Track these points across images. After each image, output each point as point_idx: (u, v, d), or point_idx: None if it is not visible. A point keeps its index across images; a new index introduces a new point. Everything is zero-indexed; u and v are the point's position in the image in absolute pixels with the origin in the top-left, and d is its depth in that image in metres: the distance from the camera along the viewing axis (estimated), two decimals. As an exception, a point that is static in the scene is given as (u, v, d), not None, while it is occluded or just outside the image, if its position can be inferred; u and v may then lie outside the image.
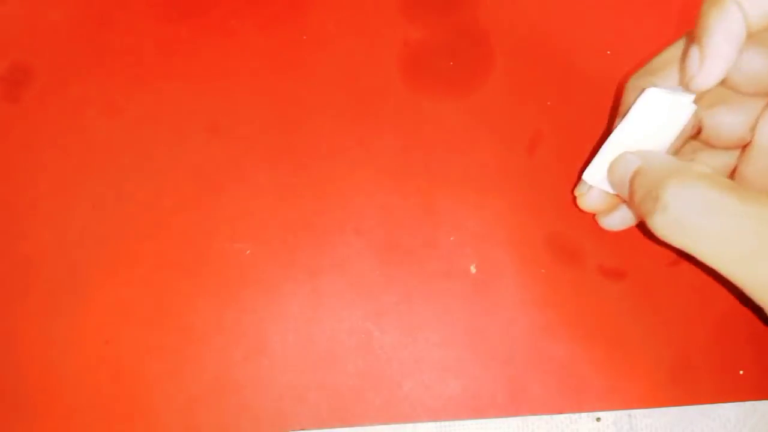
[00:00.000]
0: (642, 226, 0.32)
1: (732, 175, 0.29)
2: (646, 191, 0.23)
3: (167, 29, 0.36)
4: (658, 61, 0.28)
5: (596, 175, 0.28)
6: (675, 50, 0.27)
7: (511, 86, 0.35)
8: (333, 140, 0.35)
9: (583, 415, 0.31)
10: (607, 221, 0.31)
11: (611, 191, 0.28)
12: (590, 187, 0.29)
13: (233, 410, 0.31)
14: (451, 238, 0.33)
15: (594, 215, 0.32)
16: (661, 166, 0.23)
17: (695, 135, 0.29)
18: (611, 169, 0.27)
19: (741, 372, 0.32)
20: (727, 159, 0.29)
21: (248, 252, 0.33)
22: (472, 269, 0.33)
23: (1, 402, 0.31)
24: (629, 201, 0.25)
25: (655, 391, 0.32)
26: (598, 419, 0.31)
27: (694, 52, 0.23)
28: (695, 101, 0.26)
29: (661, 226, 0.22)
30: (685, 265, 0.33)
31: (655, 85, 0.27)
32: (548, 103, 0.35)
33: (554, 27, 0.36)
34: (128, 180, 0.34)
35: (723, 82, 0.25)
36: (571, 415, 0.31)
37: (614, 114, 0.31)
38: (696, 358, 0.32)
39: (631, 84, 0.28)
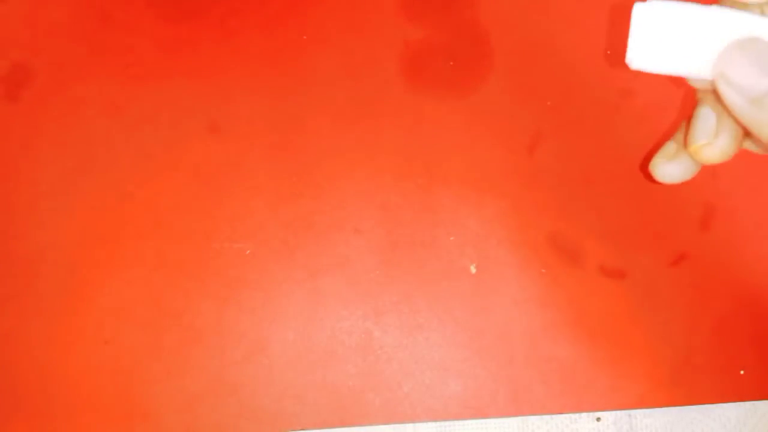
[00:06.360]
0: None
1: None
2: None
3: (167, 29, 0.36)
4: None
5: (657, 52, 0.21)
6: None
7: (511, 86, 0.35)
8: (333, 140, 0.35)
9: (583, 415, 0.31)
10: (668, 169, 0.25)
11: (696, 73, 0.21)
12: (716, 136, 0.23)
13: (233, 410, 0.31)
14: (451, 238, 0.33)
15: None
16: None
17: None
18: (739, 51, 0.20)
19: (741, 372, 0.32)
20: None
21: (248, 252, 0.33)
22: (472, 269, 0.33)
23: (1, 402, 0.31)
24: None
25: (655, 391, 0.32)
26: (598, 419, 0.31)
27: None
28: None
29: None
30: (685, 265, 0.33)
31: None
32: (548, 103, 0.35)
33: (554, 27, 0.36)
34: (128, 180, 0.34)
35: None
36: (571, 415, 0.31)
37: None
38: (696, 358, 0.32)
39: None
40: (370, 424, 0.31)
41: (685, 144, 0.24)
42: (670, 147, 0.25)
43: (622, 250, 0.33)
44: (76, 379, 0.32)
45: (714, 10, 0.20)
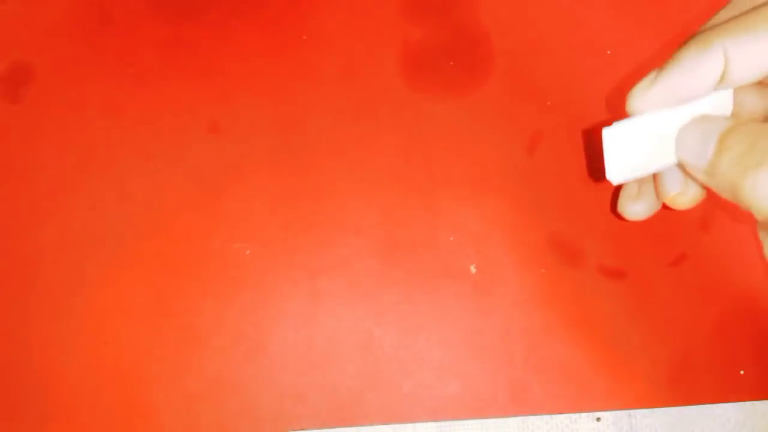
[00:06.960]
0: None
1: None
2: (747, 146, 0.20)
3: (167, 29, 0.36)
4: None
5: (628, 164, 0.24)
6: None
7: (511, 86, 0.35)
8: (333, 140, 0.35)
9: (583, 415, 0.31)
10: (634, 208, 0.28)
11: (647, 173, 0.24)
12: (687, 185, 0.26)
13: (233, 410, 0.31)
14: (451, 238, 0.33)
15: (603, 209, 0.31)
16: (758, 124, 0.21)
17: None
18: (687, 134, 0.23)
19: (741, 372, 0.32)
20: None
21: (248, 252, 0.33)
22: (472, 269, 0.33)
23: (1, 402, 0.31)
24: (711, 167, 0.22)
25: (655, 391, 0.32)
26: (598, 419, 0.31)
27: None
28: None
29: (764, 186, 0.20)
30: (685, 265, 0.33)
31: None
32: (548, 103, 0.35)
33: (554, 27, 0.36)
34: (128, 180, 0.34)
35: None
36: (571, 415, 0.31)
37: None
38: (696, 358, 0.32)
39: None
40: (370, 424, 0.31)
41: (658, 194, 0.26)
42: (632, 188, 0.27)
43: (622, 250, 0.33)
44: (76, 379, 0.32)
45: (669, 110, 0.23)
